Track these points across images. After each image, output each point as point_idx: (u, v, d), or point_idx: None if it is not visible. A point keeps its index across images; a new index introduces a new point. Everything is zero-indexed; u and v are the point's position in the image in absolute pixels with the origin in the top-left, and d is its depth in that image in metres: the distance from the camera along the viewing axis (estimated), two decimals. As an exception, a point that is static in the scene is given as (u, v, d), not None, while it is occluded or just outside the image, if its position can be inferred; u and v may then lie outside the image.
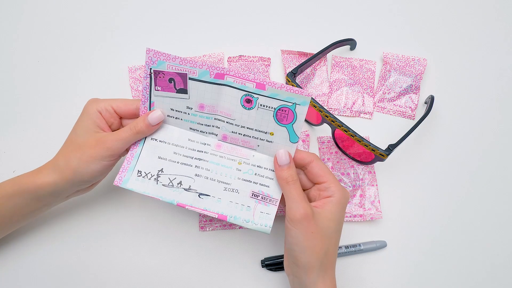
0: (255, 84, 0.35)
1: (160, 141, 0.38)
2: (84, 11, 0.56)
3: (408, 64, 0.53)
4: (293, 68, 0.48)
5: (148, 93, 0.37)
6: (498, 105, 0.52)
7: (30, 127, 0.49)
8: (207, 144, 0.38)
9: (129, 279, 0.42)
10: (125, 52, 0.54)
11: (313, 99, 0.44)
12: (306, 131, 0.49)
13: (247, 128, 0.37)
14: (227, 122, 0.37)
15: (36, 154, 0.48)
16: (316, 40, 0.53)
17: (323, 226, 0.34)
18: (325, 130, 0.47)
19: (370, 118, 0.51)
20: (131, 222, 0.44)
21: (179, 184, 0.37)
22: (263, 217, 0.37)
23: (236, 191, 0.37)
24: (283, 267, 0.42)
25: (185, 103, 0.37)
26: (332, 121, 0.43)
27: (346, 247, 0.43)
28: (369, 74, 0.53)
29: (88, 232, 0.44)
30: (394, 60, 0.53)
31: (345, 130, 0.42)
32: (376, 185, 0.46)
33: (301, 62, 0.48)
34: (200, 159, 0.38)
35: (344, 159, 0.47)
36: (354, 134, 0.42)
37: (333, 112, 0.51)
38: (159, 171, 0.37)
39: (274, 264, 0.42)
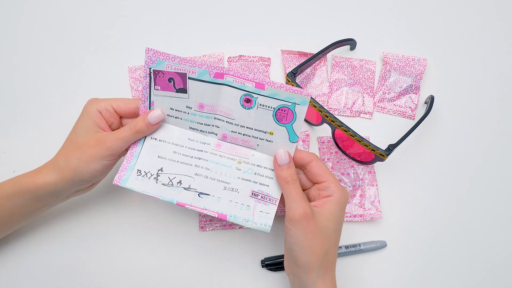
0: (254, 83, 0.35)
1: (159, 140, 0.38)
2: (84, 11, 0.56)
3: (408, 64, 0.53)
4: (293, 68, 0.48)
5: (148, 92, 0.37)
6: (498, 105, 0.52)
7: (30, 127, 0.49)
8: (207, 144, 0.38)
9: (129, 279, 0.42)
10: (125, 52, 0.54)
11: (313, 99, 0.44)
12: (306, 131, 0.49)
13: (247, 127, 0.37)
14: (226, 122, 0.37)
15: (36, 154, 0.48)
16: (316, 40, 0.53)
17: (323, 226, 0.34)
18: (325, 130, 0.47)
19: (370, 118, 0.51)
20: (131, 222, 0.44)
21: (179, 183, 0.37)
22: (262, 216, 0.37)
23: (236, 190, 0.37)
24: (283, 267, 0.42)
25: (185, 103, 0.37)
26: (332, 121, 0.43)
27: (346, 247, 0.43)
28: (369, 74, 0.53)
29: (88, 232, 0.44)
30: (394, 60, 0.53)
31: (345, 130, 0.42)
32: (376, 185, 0.46)
33: (301, 62, 0.48)
34: (199, 158, 0.38)
35: (344, 159, 0.47)
36: (354, 134, 0.42)
37: (333, 112, 0.51)
38: (158, 170, 0.37)
39: (274, 264, 0.42)
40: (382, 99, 0.51)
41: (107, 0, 0.57)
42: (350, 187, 0.46)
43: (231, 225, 0.44)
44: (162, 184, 0.37)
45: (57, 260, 0.43)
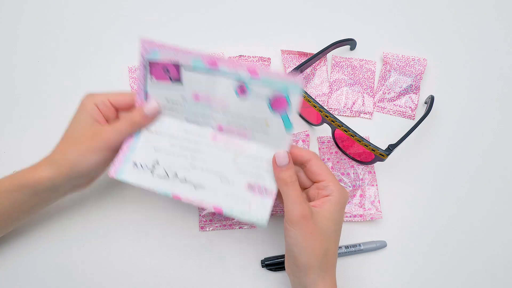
0: (247, 70, 0.34)
1: (156, 132, 0.38)
2: (84, 11, 0.56)
3: (408, 64, 0.53)
4: (293, 68, 0.48)
5: (144, 84, 0.37)
6: (498, 105, 0.52)
7: (30, 127, 0.49)
8: (203, 135, 0.38)
9: (129, 279, 0.42)
10: (125, 52, 0.53)
11: (313, 99, 0.44)
12: (306, 131, 0.49)
13: (242, 118, 0.37)
14: (222, 113, 0.37)
15: (36, 154, 0.47)
16: (316, 40, 0.53)
17: (322, 226, 0.34)
18: (325, 130, 0.47)
19: (370, 118, 0.51)
20: (131, 222, 0.44)
21: (175, 176, 0.37)
22: (259, 209, 0.36)
23: (232, 183, 0.37)
24: (283, 267, 0.42)
25: (180, 94, 0.37)
26: (332, 121, 0.43)
27: (346, 247, 0.43)
28: (369, 74, 0.53)
29: (88, 232, 0.44)
30: (394, 60, 0.53)
31: (345, 130, 0.42)
32: (376, 185, 0.46)
33: (301, 62, 0.48)
34: (196, 151, 0.38)
35: (344, 159, 0.47)
36: (354, 134, 0.42)
37: (333, 112, 0.51)
38: (154, 162, 0.37)
39: (274, 264, 0.42)
40: (382, 99, 0.51)
41: (107, 0, 0.57)
42: (350, 187, 0.46)
43: (231, 225, 0.44)
44: (158, 176, 0.37)
45: (57, 259, 0.43)
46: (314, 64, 0.53)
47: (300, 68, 0.47)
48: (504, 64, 0.54)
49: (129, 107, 0.39)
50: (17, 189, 0.36)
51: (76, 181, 0.38)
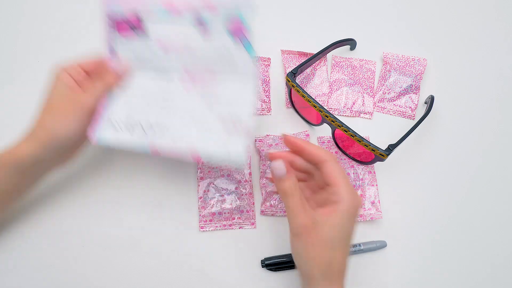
0: (203, 4, 0.35)
1: (128, 89, 0.39)
2: (84, 11, 0.56)
3: (408, 64, 0.53)
4: (293, 68, 0.48)
5: (111, 42, 0.38)
6: (498, 105, 0.52)
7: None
8: (174, 85, 0.39)
9: (129, 279, 0.42)
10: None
11: (313, 98, 0.44)
12: (306, 131, 0.49)
13: (210, 59, 0.37)
14: (189, 59, 0.38)
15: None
16: (316, 40, 0.53)
17: (327, 236, 0.32)
18: (325, 130, 0.47)
19: (370, 118, 0.51)
20: (130, 222, 0.44)
21: (151, 128, 0.37)
22: (237, 150, 0.36)
23: (208, 127, 0.37)
24: (283, 267, 0.42)
25: (147, 46, 0.38)
26: (332, 121, 0.43)
27: (346, 247, 0.43)
28: (369, 74, 0.53)
29: (88, 232, 0.44)
30: (394, 60, 0.53)
31: (345, 130, 0.42)
32: (376, 185, 0.46)
33: (301, 62, 0.48)
34: (168, 100, 0.38)
35: (344, 159, 0.47)
36: (354, 134, 0.42)
37: (333, 112, 0.51)
38: (130, 118, 0.38)
39: (274, 264, 0.42)
40: (382, 99, 0.51)
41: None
42: (350, 187, 0.46)
43: (231, 225, 0.44)
44: (135, 132, 0.37)
45: (56, 259, 0.43)
46: (314, 64, 0.53)
47: (300, 68, 0.47)
48: (504, 64, 0.54)
49: (100, 69, 0.39)
50: (1, 169, 0.36)
51: (59, 152, 0.38)
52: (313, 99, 0.44)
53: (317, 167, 0.36)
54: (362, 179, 0.46)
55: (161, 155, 0.36)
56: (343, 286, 0.34)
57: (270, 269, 0.42)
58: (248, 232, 0.44)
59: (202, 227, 0.44)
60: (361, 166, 0.47)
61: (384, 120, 0.51)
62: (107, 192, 0.46)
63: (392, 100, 0.51)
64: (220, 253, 0.43)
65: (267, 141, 0.48)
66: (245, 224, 0.44)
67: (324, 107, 0.48)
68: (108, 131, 0.37)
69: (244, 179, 0.46)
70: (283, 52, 0.54)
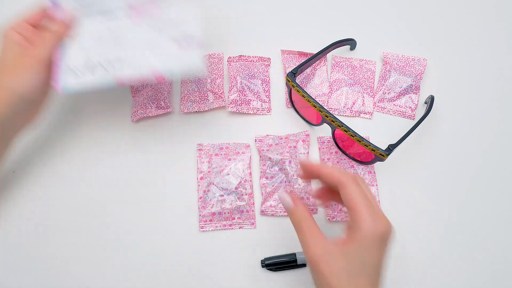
0: None
1: (77, 35, 0.40)
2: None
3: (408, 64, 0.53)
4: (293, 68, 0.48)
5: None
6: (498, 105, 0.52)
7: (30, 127, 0.49)
8: (119, 19, 0.41)
9: (129, 279, 0.42)
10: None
11: (313, 98, 0.44)
12: (306, 131, 0.49)
13: None
14: None
15: (36, 154, 0.48)
16: (316, 40, 0.53)
17: (340, 269, 0.29)
18: (325, 130, 0.47)
19: (370, 118, 0.51)
20: (130, 222, 0.44)
21: (110, 65, 0.39)
22: (193, 61, 0.39)
23: (161, 48, 0.39)
24: (283, 267, 0.42)
25: None
26: (332, 121, 0.43)
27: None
28: (369, 74, 0.53)
29: (88, 232, 0.44)
30: (394, 60, 0.53)
31: (345, 130, 0.42)
32: (376, 185, 0.46)
33: (301, 62, 0.48)
34: (119, 37, 0.40)
35: (344, 159, 0.47)
36: (354, 134, 0.42)
37: (333, 112, 0.51)
38: (87, 59, 0.39)
39: (274, 264, 0.42)
40: (382, 99, 0.51)
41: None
42: (350, 187, 0.46)
43: (231, 225, 0.44)
44: (97, 72, 0.39)
45: (55, 260, 0.43)
46: (314, 64, 0.53)
47: (300, 68, 0.47)
48: (504, 64, 0.54)
49: (46, 20, 0.41)
50: None
51: (24, 109, 0.39)
52: (313, 99, 0.44)
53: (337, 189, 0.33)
54: (362, 179, 0.46)
55: (126, 84, 0.38)
56: None
57: (270, 269, 0.42)
58: (248, 232, 0.44)
59: (202, 227, 0.44)
60: (361, 166, 0.47)
61: (384, 120, 0.51)
62: (107, 192, 0.46)
63: (392, 100, 0.51)
64: (220, 253, 0.43)
65: (267, 141, 0.48)
66: (245, 224, 0.44)
67: (324, 107, 0.48)
68: (71, 78, 0.39)
69: (244, 179, 0.46)
70: (283, 52, 0.54)
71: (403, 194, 0.47)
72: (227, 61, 0.52)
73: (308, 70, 0.53)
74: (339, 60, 0.54)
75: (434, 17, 0.57)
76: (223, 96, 0.50)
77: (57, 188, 0.46)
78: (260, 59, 0.53)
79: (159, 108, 0.49)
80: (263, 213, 0.45)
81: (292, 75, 0.46)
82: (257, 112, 0.50)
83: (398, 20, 0.57)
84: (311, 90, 0.52)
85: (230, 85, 0.50)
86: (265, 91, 0.51)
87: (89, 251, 0.43)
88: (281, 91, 0.52)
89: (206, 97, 0.50)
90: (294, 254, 0.42)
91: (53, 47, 0.39)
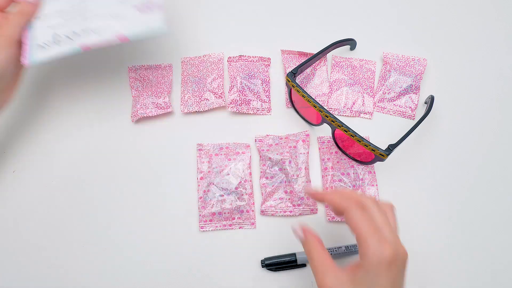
0: None
1: (43, 15, 0.43)
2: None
3: (408, 64, 0.53)
4: (293, 68, 0.48)
5: None
6: (498, 105, 0.52)
7: (30, 127, 0.49)
8: None
9: (128, 279, 0.42)
10: (125, 52, 0.54)
11: (313, 98, 0.44)
12: (306, 131, 0.49)
13: None
14: None
15: (36, 154, 0.48)
16: (316, 40, 0.53)
17: None
18: (325, 130, 0.47)
19: (370, 118, 0.51)
20: (130, 222, 0.44)
21: (75, 34, 0.42)
22: (155, 22, 0.42)
23: (123, 15, 0.42)
24: (283, 267, 0.42)
25: None
26: (332, 121, 0.43)
27: (346, 247, 0.43)
28: (369, 74, 0.53)
29: (87, 233, 0.44)
30: (394, 60, 0.53)
31: (345, 130, 0.42)
32: (376, 185, 0.46)
33: (301, 62, 0.48)
34: (82, 9, 0.43)
35: (344, 159, 0.47)
36: (354, 134, 0.42)
37: (333, 112, 0.51)
38: (54, 35, 0.42)
39: (274, 264, 0.42)
40: (382, 99, 0.51)
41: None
42: (350, 187, 0.46)
43: (231, 225, 0.44)
44: (63, 42, 0.42)
45: (54, 261, 0.43)
46: (314, 64, 0.53)
47: (300, 68, 0.47)
48: (504, 64, 0.54)
49: (11, 2, 0.43)
50: None
51: None
52: (313, 99, 0.44)
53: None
54: (362, 179, 0.46)
55: (91, 48, 0.41)
56: None
57: (270, 269, 0.42)
58: (248, 232, 0.44)
59: (202, 227, 0.44)
60: (361, 166, 0.47)
61: (384, 120, 0.51)
62: (107, 192, 0.46)
63: (392, 100, 0.51)
64: (220, 253, 0.43)
65: (267, 141, 0.48)
66: (245, 224, 0.44)
67: (324, 107, 0.48)
68: (39, 53, 0.41)
69: (244, 179, 0.46)
70: (283, 52, 0.54)
71: (403, 194, 0.47)
72: (227, 61, 0.52)
73: (308, 70, 0.53)
74: (339, 60, 0.54)
75: (434, 17, 0.57)
76: (223, 96, 0.50)
77: (57, 188, 0.46)
78: (260, 59, 0.53)
79: (159, 108, 0.49)
80: (263, 213, 0.45)
81: (292, 75, 0.46)
82: (257, 112, 0.50)
83: (398, 20, 0.57)
84: (311, 90, 0.52)
85: (230, 85, 0.51)
86: (265, 91, 0.51)
87: (89, 251, 0.43)
88: (281, 91, 0.52)
89: (206, 97, 0.50)
90: (294, 254, 0.42)
91: (21, 27, 0.41)
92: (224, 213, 0.44)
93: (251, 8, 0.57)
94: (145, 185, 0.46)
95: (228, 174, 0.45)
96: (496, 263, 0.44)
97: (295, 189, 0.45)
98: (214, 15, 0.56)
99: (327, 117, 0.43)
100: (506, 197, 0.47)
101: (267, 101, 0.51)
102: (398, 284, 0.30)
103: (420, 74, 0.52)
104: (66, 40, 0.42)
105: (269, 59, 0.53)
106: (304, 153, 0.47)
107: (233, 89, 0.50)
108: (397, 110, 0.51)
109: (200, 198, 0.45)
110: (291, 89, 0.47)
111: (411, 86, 0.51)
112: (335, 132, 0.45)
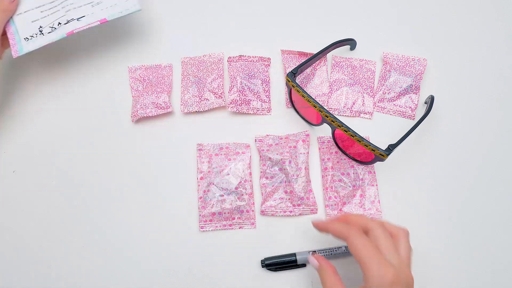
0: None
1: (25, 12, 0.47)
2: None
3: (408, 64, 0.53)
4: (293, 68, 0.48)
5: None
6: (498, 105, 0.52)
7: (30, 127, 0.49)
8: None
9: (128, 279, 0.42)
10: (125, 52, 0.54)
11: (313, 99, 0.44)
12: (306, 131, 0.49)
13: None
14: None
15: (36, 154, 0.48)
16: (316, 40, 0.53)
17: None
18: (325, 130, 0.47)
19: (370, 118, 0.51)
20: (130, 222, 0.44)
21: (60, 24, 0.46)
22: (128, 3, 0.48)
23: (101, 2, 0.48)
24: (283, 267, 0.42)
25: None
26: (332, 121, 0.43)
27: (346, 247, 0.43)
28: (369, 74, 0.53)
29: (88, 233, 0.44)
30: (394, 60, 0.53)
31: (345, 130, 0.42)
32: (376, 185, 0.46)
33: (301, 62, 0.48)
34: (60, 1, 0.48)
35: (344, 159, 0.47)
36: (354, 134, 0.42)
37: (333, 112, 0.51)
38: (39, 28, 0.46)
39: (274, 264, 0.42)
40: (382, 99, 0.51)
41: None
42: (350, 187, 0.46)
43: (231, 225, 0.44)
44: (48, 33, 0.46)
45: (54, 261, 0.43)
46: (314, 64, 0.53)
47: (300, 68, 0.47)
48: (504, 64, 0.54)
49: None
50: None
51: None
52: (313, 99, 0.44)
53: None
54: (362, 179, 0.46)
55: (75, 32, 0.46)
56: None
57: (270, 269, 0.42)
58: (248, 232, 0.44)
59: (202, 227, 0.44)
60: (361, 166, 0.47)
61: (384, 120, 0.51)
62: (107, 192, 0.46)
63: (392, 100, 0.51)
64: (220, 253, 0.43)
65: (267, 141, 0.48)
66: (245, 224, 0.44)
67: (324, 107, 0.48)
68: (26, 45, 0.45)
69: (244, 179, 0.46)
70: (283, 52, 0.54)
71: (403, 194, 0.47)
72: (227, 61, 0.52)
73: (308, 70, 0.53)
74: (339, 60, 0.54)
75: (434, 17, 0.57)
76: (223, 96, 0.50)
77: (57, 188, 0.46)
78: (260, 59, 0.53)
79: (159, 108, 0.49)
80: (263, 213, 0.45)
81: (292, 75, 0.46)
82: (257, 112, 0.50)
83: (398, 20, 0.57)
84: (311, 90, 0.52)
85: (230, 85, 0.51)
86: (265, 91, 0.51)
87: (89, 251, 0.43)
88: (281, 91, 0.52)
89: (206, 97, 0.50)
90: (294, 254, 0.42)
91: (3, 24, 0.44)
92: (224, 213, 0.44)
93: (251, 8, 0.57)
94: (145, 185, 0.46)
95: (228, 174, 0.45)
96: (496, 263, 0.44)
97: (295, 189, 0.45)
98: (214, 15, 0.56)
99: (327, 117, 0.43)
100: (506, 197, 0.47)
101: (267, 101, 0.51)
102: None
103: (420, 74, 0.52)
104: (52, 30, 0.46)
105: (269, 59, 0.53)
106: (304, 153, 0.47)
107: (233, 89, 0.50)
108: (397, 110, 0.51)
109: (200, 198, 0.45)
110: (291, 89, 0.47)
111: (411, 86, 0.51)
112: (335, 132, 0.45)
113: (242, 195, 0.45)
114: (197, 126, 0.49)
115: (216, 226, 0.44)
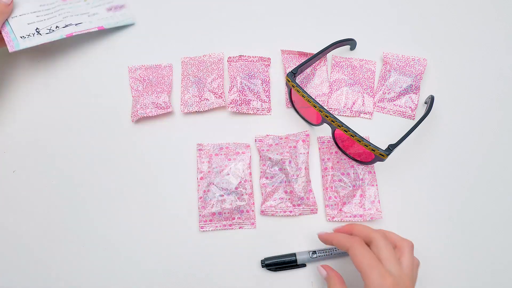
0: None
1: (20, 15, 0.47)
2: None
3: (408, 64, 0.53)
4: (293, 68, 0.48)
5: None
6: (498, 105, 0.52)
7: (30, 127, 0.49)
8: (54, 0, 0.51)
9: (128, 280, 0.42)
10: (125, 52, 0.54)
11: (313, 98, 0.44)
12: (306, 131, 0.49)
13: None
14: None
15: (36, 154, 0.48)
16: (316, 40, 0.53)
17: None
18: (325, 130, 0.47)
19: (370, 118, 0.51)
20: (130, 222, 0.44)
21: (57, 27, 0.48)
22: (123, 17, 0.54)
23: (97, 13, 0.52)
24: (283, 267, 0.42)
25: None
26: (332, 121, 0.43)
27: (346, 247, 0.43)
28: (369, 74, 0.53)
29: (88, 233, 0.44)
30: (394, 60, 0.53)
31: (345, 130, 0.42)
32: (376, 185, 0.46)
33: (301, 62, 0.48)
34: (57, 10, 0.50)
35: (344, 159, 0.47)
36: (354, 134, 0.42)
37: (333, 112, 0.51)
38: (36, 29, 0.47)
39: (274, 264, 0.42)
40: (382, 99, 0.51)
41: (107, 0, 0.57)
42: (350, 187, 0.46)
43: (231, 225, 0.44)
44: (46, 33, 0.47)
45: (53, 262, 0.43)
46: (314, 64, 0.53)
47: (300, 68, 0.47)
48: (504, 64, 0.54)
49: None
50: None
51: None
52: (313, 99, 0.44)
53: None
54: (362, 179, 0.46)
55: (74, 34, 0.48)
56: None
57: (270, 269, 0.42)
58: (248, 232, 0.44)
59: (202, 227, 0.44)
60: (361, 166, 0.47)
61: (384, 120, 0.51)
62: (107, 192, 0.46)
63: (392, 100, 0.51)
64: (220, 253, 0.43)
65: (267, 141, 0.48)
66: (245, 224, 0.44)
67: (324, 107, 0.48)
68: (22, 42, 0.46)
69: (244, 179, 0.46)
70: (283, 52, 0.54)
71: (403, 194, 0.47)
72: (227, 61, 0.52)
73: (308, 70, 0.53)
74: (339, 60, 0.54)
75: (434, 17, 0.57)
76: (223, 96, 0.50)
77: (57, 188, 0.46)
78: (260, 59, 0.53)
79: (159, 108, 0.49)
80: (263, 213, 0.45)
81: (292, 75, 0.46)
82: (257, 112, 0.50)
83: (398, 20, 0.57)
84: (311, 90, 0.52)
85: (230, 85, 0.51)
86: (265, 91, 0.51)
87: (89, 251, 0.43)
88: (281, 91, 0.52)
89: (206, 97, 0.50)
90: (294, 254, 0.42)
91: None
92: (224, 213, 0.44)
93: (251, 8, 0.57)
94: (145, 185, 0.46)
95: (228, 174, 0.45)
96: (496, 263, 0.44)
97: (295, 189, 0.45)
98: (214, 15, 0.56)
99: (327, 117, 0.43)
100: (506, 197, 0.47)
101: (267, 101, 0.51)
102: None
103: (420, 74, 0.52)
104: (49, 32, 0.47)
105: (269, 59, 0.53)
106: (304, 153, 0.47)
107: (233, 89, 0.50)
108: (397, 110, 0.51)
109: (200, 198, 0.45)
110: (291, 89, 0.47)
111: (411, 86, 0.51)
112: (335, 132, 0.45)
113: (242, 195, 0.45)
114: (197, 126, 0.49)
115: (216, 226, 0.44)
